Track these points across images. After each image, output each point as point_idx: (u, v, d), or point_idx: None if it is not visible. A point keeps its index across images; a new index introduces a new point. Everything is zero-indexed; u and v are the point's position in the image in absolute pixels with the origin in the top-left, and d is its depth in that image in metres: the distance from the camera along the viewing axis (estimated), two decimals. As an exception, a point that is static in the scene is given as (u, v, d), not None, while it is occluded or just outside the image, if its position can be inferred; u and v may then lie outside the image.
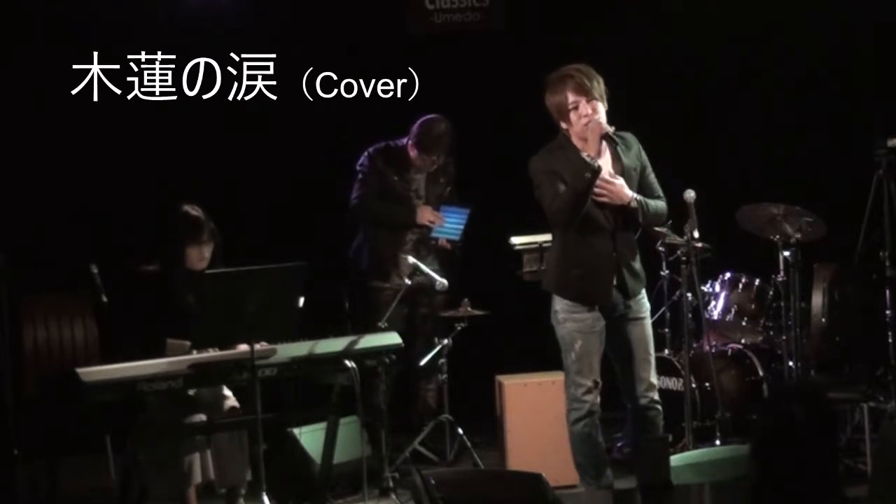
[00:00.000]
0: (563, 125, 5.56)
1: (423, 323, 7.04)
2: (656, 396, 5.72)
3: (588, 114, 5.46)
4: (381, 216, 6.94)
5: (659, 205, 5.68)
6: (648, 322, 5.74)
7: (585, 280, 5.57)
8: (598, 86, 5.50)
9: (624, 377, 5.71)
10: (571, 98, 5.48)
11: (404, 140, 6.95)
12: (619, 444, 6.73)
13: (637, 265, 5.69)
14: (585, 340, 5.57)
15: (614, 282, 5.58)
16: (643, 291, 5.74)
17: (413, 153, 6.90)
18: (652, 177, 5.70)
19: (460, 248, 7.02)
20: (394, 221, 6.94)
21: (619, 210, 5.55)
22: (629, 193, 5.53)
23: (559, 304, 5.64)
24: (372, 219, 6.96)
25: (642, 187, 5.63)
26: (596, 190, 5.45)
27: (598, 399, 5.64)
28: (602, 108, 5.50)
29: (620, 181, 5.53)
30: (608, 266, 5.56)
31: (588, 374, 5.59)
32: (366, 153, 6.96)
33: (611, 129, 5.47)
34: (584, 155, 5.41)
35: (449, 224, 6.97)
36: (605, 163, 5.53)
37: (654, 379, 5.72)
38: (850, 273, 6.82)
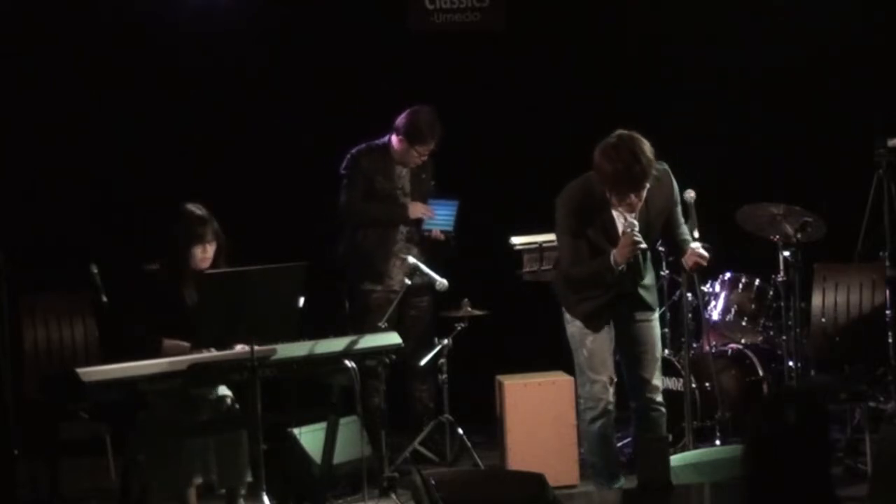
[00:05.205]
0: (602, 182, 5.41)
1: (414, 324, 6.94)
2: (660, 398, 5.73)
3: (632, 202, 5.37)
4: (373, 217, 6.84)
5: (685, 232, 5.72)
6: (657, 324, 5.76)
7: (594, 309, 5.61)
8: (650, 166, 5.30)
9: (630, 377, 5.73)
10: (625, 188, 5.33)
11: (385, 138, 6.84)
12: (626, 451, 6.68)
13: (648, 280, 5.70)
14: (596, 337, 5.60)
15: (623, 305, 5.63)
16: (654, 294, 5.77)
17: (401, 147, 6.77)
18: (678, 210, 5.68)
19: (454, 238, 6.94)
20: (386, 220, 6.86)
21: None
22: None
23: None
24: (365, 220, 6.87)
25: (668, 221, 5.64)
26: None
27: (614, 397, 5.65)
28: (645, 191, 5.38)
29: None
30: (616, 295, 5.60)
31: (602, 370, 5.61)
32: (349, 156, 6.85)
33: (644, 246, 5.44)
34: (612, 260, 5.41)
35: (440, 216, 6.91)
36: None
37: (658, 381, 5.74)
38: (850, 273, 6.82)
